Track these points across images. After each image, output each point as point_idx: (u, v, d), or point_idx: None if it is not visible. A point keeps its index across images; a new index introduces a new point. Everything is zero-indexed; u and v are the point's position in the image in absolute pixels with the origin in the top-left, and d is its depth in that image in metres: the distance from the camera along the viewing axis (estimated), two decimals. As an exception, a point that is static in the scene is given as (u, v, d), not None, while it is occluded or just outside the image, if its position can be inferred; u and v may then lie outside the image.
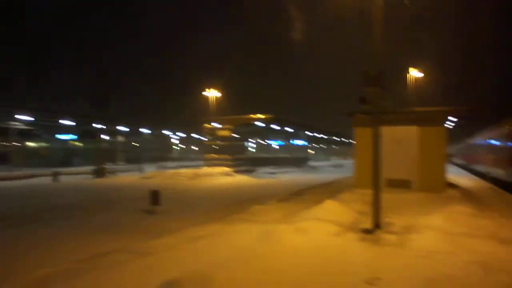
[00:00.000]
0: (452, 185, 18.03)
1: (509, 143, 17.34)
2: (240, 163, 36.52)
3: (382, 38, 8.76)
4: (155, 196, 13.25)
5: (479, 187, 20.42)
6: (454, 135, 44.18)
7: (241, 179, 27.33)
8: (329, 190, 18.01)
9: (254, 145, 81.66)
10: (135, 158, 60.89)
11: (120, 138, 65.11)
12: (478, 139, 28.72)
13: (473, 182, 23.66)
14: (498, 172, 19.93)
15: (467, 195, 15.67)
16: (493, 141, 21.98)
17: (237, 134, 37.42)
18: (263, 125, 39.39)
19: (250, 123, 37.12)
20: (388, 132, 15.10)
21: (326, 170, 42.55)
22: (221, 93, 38.85)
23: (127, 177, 30.86)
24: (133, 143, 76.64)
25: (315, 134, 69.37)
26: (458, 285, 5.29)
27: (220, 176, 27.75)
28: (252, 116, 34.85)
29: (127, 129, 61.29)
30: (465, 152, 39.79)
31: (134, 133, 68.57)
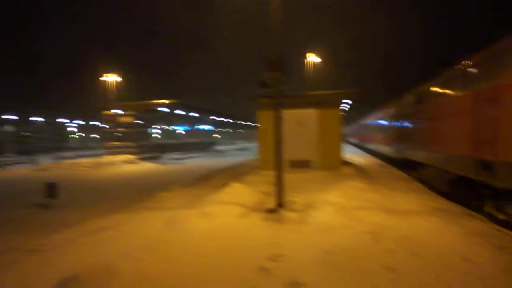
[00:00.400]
0: (347, 163, 19.47)
1: (393, 123, 19.17)
2: (145, 150, 35.41)
3: (281, 23, 9.07)
4: (51, 189, 12.36)
5: (370, 164, 22.35)
6: (349, 116, 47.58)
7: (145, 167, 26.58)
8: (235, 173, 18.35)
9: (159, 131, 79.63)
10: (27, 149, 55.79)
11: (7, 128, 59.07)
12: (369, 120, 31.28)
13: (365, 159, 25.80)
14: (386, 149, 21.99)
15: (360, 172, 17.07)
16: (381, 121, 24.11)
17: (141, 120, 36.10)
18: (168, 110, 38.51)
19: (154, 109, 36.01)
20: (290, 115, 15.84)
21: (232, 154, 43.12)
22: (122, 77, 37.08)
23: (18, 170, 28.25)
24: (23, 133, 70.07)
25: (221, 119, 69.73)
26: (351, 254, 5.83)
27: (123, 165, 26.68)
28: (156, 101, 33.84)
29: (15, 118, 55.74)
30: (358, 132, 43.09)
31: (24, 122, 62.69)
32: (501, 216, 7.63)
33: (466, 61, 9.29)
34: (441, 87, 11.29)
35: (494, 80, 7.15)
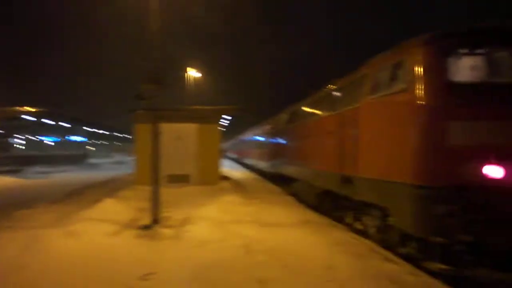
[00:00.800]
0: (225, 178, 19.81)
1: (269, 139, 20.17)
2: (4, 162, 31.53)
3: (158, 35, 8.94)
4: None
5: (247, 178, 23.07)
6: (228, 132, 48.61)
7: (4, 181, 23.63)
8: (109, 188, 17.33)
9: (23, 142, 71.75)
10: None
11: None
12: (248, 136, 32.41)
13: (243, 174, 26.56)
14: (262, 164, 22.97)
15: (237, 186, 17.49)
16: (258, 137, 25.16)
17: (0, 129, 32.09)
18: (34, 119, 34.92)
19: (16, 117, 32.30)
20: (169, 129, 15.58)
21: (107, 167, 40.70)
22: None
23: None
24: None
25: (96, 130, 65.60)
26: (224, 267, 5.89)
27: (-26, 179, 23.33)
28: (19, 108, 30.47)
29: None
30: (237, 147, 44.28)
31: None
32: (358, 226, 8.46)
33: (332, 85, 10.23)
34: (310, 108, 12.23)
35: (354, 103, 7.98)
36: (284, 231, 8.43)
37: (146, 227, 8.45)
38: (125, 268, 5.95)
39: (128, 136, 79.62)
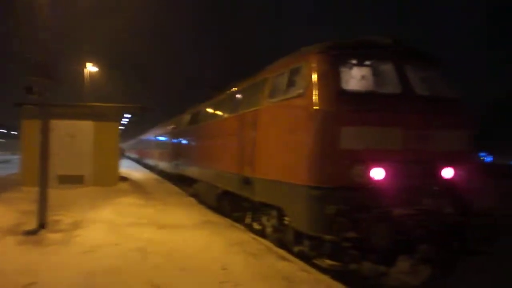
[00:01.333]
0: (124, 179, 18.99)
1: (172, 140, 19.76)
2: None
3: (47, 25, 8.22)
4: None
5: (148, 179, 22.38)
6: (130, 131, 46.72)
7: None
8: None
9: None
10: None
11: None
12: (149, 135, 31.41)
13: (143, 175, 25.70)
14: (164, 165, 22.42)
15: (136, 187, 16.87)
16: (160, 137, 24.51)
17: None
18: None
19: None
20: (61, 126, 14.47)
21: (-12, 167, 36.52)
22: None
23: None
24: None
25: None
26: (117, 273, 5.59)
27: None
28: None
29: None
30: (138, 147, 42.69)
31: None
32: (257, 227, 8.65)
33: (234, 87, 10.35)
34: (213, 109, 12.24)
35: (254, 106, 8.15)
36: (183, 233, 8.31)
37: (30, 232, 7.74)
38: (3, 279, 5.35)
39: (14, 133, 72.40)
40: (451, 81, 6.96)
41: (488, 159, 63.13)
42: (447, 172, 6.28)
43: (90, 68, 26.71)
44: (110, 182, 15.73)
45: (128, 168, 29.87)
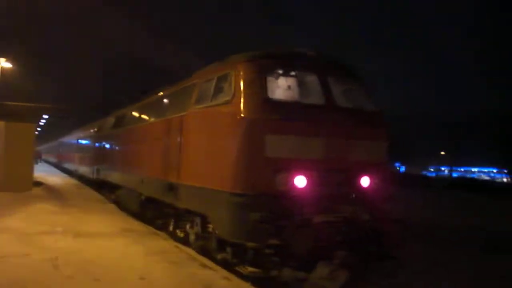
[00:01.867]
0: (39, 184, 17.74)
1: (94, 144, 18.81)
2: None
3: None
4: None
5: (66, 184, 21.12)
6: (48, 132, 43.87)
7: None
8: None
9: None
10: None
11: None
12: (70, 138, 29.67)
13: (62, 180, 24.22)
14: (85, 169, 21.26)
15: (52, 193, 15.84)
16: (82, 141, 23.26)
17: None
18: None
19: None
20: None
21: None
22: None
23: None
24: None
25: None
26: (25, 286, 5.14)
27: None
28: None
29: None
30: (58, 151, 40.19)
31: None
32: (180, 234, 8.46)
33: (161, 92, 10.11)
34: (139, 113, 11.86)
35: (180, 111, 8.00)
36: (101, 242, 7.90)
37: None
38: None
39: None
40: (371, 94, 7.35)
41: (402, 169, 68.09)
42: (365, 181, 6.59)
43: (3, 64, 24.39)
44: (22, 187, 14.60)
45: (45, 173, 27.97)
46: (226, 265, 6.56)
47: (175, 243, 8.17)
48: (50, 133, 44.25)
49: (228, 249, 6.39)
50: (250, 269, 5.77)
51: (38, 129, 27.18)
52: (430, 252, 9.34)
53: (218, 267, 6.56)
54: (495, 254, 9.75)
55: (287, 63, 6.65)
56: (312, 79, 6.74)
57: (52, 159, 46.66)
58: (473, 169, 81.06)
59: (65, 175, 29.28)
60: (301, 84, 6.68)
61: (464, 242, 11.21)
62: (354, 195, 6.45)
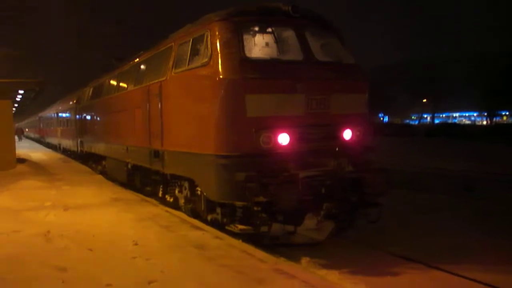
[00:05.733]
0: (23, 160, 17.56)
1: (76, 116, 18.48)
2: None
3: None
4: None
5: (51, 159, 20.90)
6: (28, 108, 42.86)
7: None
8: None
9: None
10: None
11: None
12: (51, 112, 29.08)
13: (46, 155, 23.96)
14: (69, 143, 21.02)
15: (38, 169, 15.72)
16: (63, 114, 22.82)
17: None
18: None
19: None
20: None
21: None
22: None
23: None
24: None
25: None
26: (19, 261, 5.22)
27: None
28: None
29: None
30: (39, 126, 39.45)
31: None
32: (170, 199, 8.55)
33: (138, 58, 9.89)
34: (117, 81, 11.63)
35: (160, 77, 7.87)
36: (92, 212, 7.98)
37: None
38: None
39: None
40: (348, 47, 7.30)
41: (385, 119, 68.91)
42: (347, 134, 6.67)
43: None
44: (5, 165, 14.42)
45: (28, 149, 27.63)
46: (217, 225, 6.71)
47: (166, 208, 8.28)
48: (29, 108, 43.25)
49: (218, 210, 6.51)
50: (240, 226, 5.91)
51: (16, 105, 26.53)
52: (415, 197, 9.69)
53: (209, 228, 6.71)
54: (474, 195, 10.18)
55: (262, 19, 6.51)
56: (289, 34, 6.64)
57: (34, 135, 45.91)
58: (455, 114, 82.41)
59: (49, 150, 28.95)
60: (278, 40, 6.57)
61: (447, 185, 11.61)
62: (337, 149, 6.54)
